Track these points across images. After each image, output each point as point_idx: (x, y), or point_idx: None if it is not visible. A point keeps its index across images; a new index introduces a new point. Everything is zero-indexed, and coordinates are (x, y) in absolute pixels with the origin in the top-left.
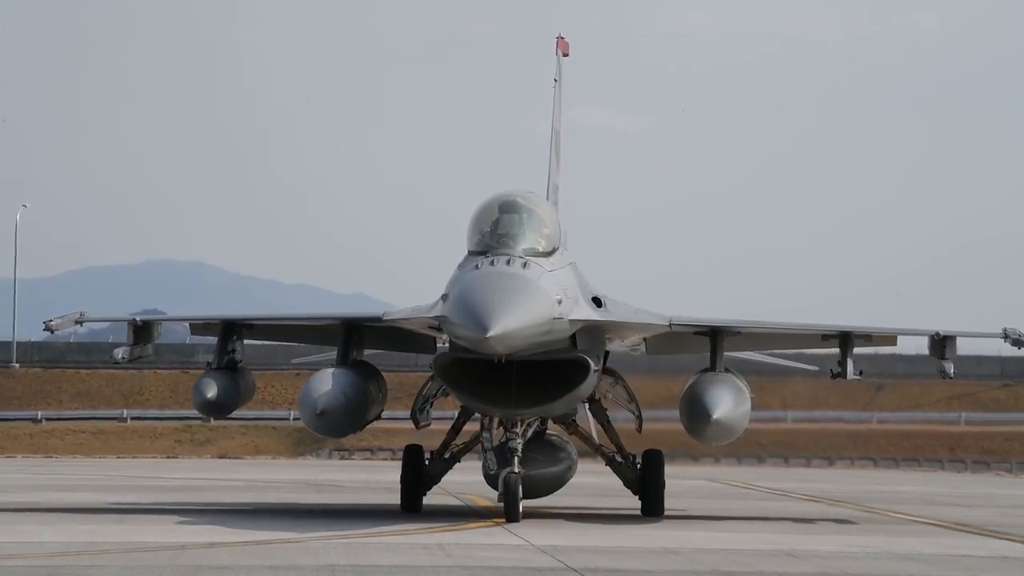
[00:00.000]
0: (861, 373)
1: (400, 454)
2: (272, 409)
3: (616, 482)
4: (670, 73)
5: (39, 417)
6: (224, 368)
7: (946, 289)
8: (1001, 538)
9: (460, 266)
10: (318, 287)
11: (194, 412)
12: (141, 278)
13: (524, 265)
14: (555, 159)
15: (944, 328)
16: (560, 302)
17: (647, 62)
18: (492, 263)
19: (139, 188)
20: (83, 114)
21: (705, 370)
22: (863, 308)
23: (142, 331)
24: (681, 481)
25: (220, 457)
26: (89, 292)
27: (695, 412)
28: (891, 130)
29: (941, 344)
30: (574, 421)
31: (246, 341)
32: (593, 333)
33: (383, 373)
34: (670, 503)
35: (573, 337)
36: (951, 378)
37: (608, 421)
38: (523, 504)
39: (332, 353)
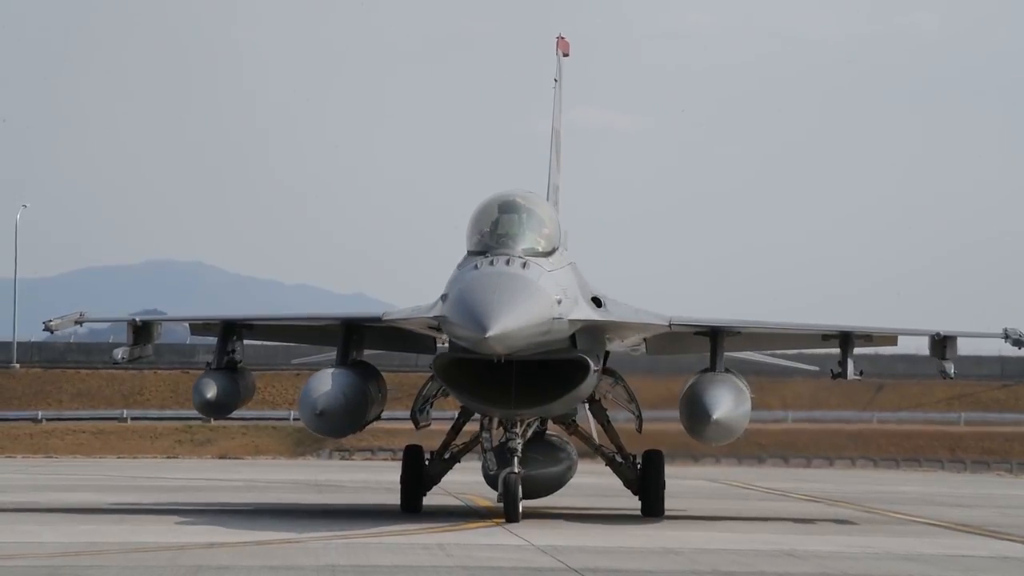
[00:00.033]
0: (862, 373)
1: (400, 454)
2: (272, 409)
3: (616, 482)
4: (670, 73)
5: (39, 417)
6: (224, 368)
7: (946, 289)
8: (1001, 538)
9: (459, 266)
10: (318, 287)
11: (194, 412)
12: (141, 278)
13: (523, 265)
14: (555, 159)
15: (944, 328)
16: (560, 302)
17: (647, 62)
18: (491, 263)
19: (139, 188)
20: (83, 114)
21: (705, 370)
22: (863, 308)
23: (142, 331)
24: (681, 481)
25: (220, 457)
26: (89, 292)
27: (695, 412)
28: (891, 130)
29: (941, 344)
30: (574, 421)
31: (246, 341)
32: (593, 333)
33: (383, 373)
34: (670, 503)
35: (573, 337)
36: (951, 378)
37: (608, 421)
38: (523, 504)
39: (332, 353)
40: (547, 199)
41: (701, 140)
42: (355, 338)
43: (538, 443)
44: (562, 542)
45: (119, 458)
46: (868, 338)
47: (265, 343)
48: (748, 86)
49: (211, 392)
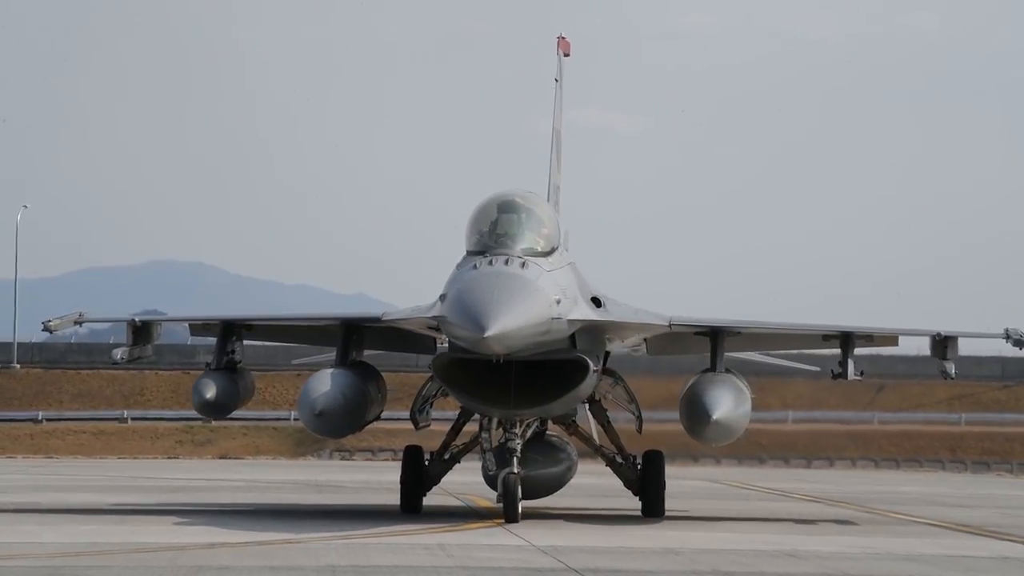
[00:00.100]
0: (862, 374)
1: (401, 455)
2: (273, 410)
3: (616, 483)
4: (670, 73)
5: (40, 418)
6: (223, 369)
7: (947, 289)
8: (1002, 539)
9: (458, 266)
10: (318, 287)
11: (195, 413)
12: (142, 279)
13: (522, 265)
14: (556, 159)
15: (945, 329)
16: (559, 302)
17: (647, 62)
18: (490, 263)
19: (140, 189)
20: (83, 114)
21: (705, 370)
22: (863, 308)
23: (141, 331)
24: (681, 482)
25: (221, 458)
26: (90, 293)
27: (695, 412)
28: (891, 130)
29: (942, 344)
30: (574, 422)
31: (246, 342)
32: (592, 333)
33: (383, 373)
34: (670, 504)
35: (573, 337)
36: (952, 378)
37: (608, 422)
38: (523, 505)
39: (332, 354)
40: (547, 199)
41: (701, 140)
42: (355, 338)
43: (538, 443)
44: (562, 542)
45: (120, 458)
46: (869, 338)
47: (265, 343)
48: (748, 86)
49: (210, 392)
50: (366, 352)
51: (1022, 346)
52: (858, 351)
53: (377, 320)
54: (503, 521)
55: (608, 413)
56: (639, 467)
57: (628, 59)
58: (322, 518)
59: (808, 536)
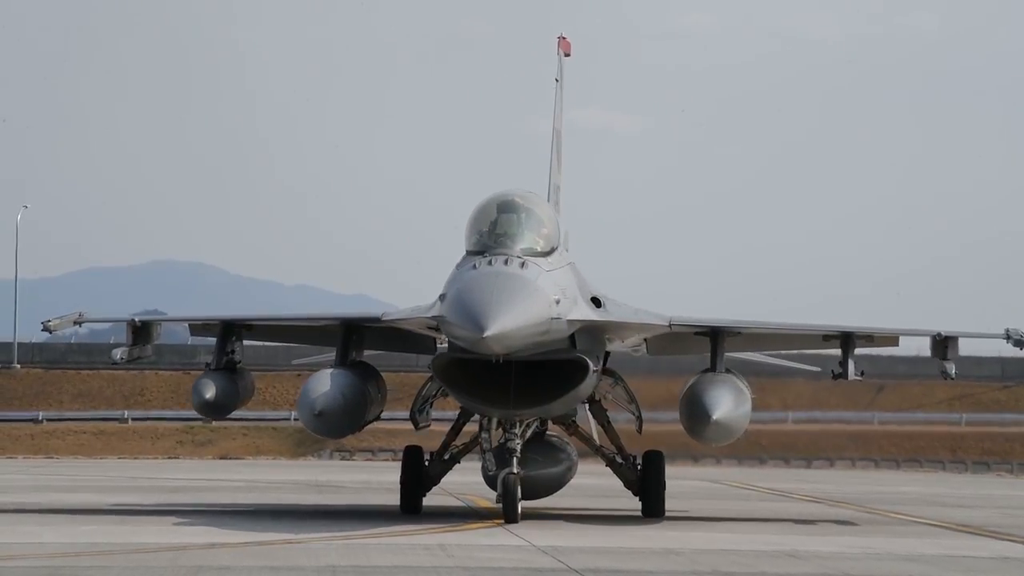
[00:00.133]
0: (863, 374)
1: (401, 455)
2: (273, 410)
3: (616, 483)
4: (670, 73)
5: (40, 418)
6: (223, 369)
7: (947, 289)
8: (1002, 539)
9: (458, 266)
10: (319, 288)
11: (195, 413)
12: (142, 279)
13: (522, 265)
14: (556, 159)
15: (946, 329)
16: (558, 302)
17: (647, 63)
18: (490, 263)
19: (140, 189)
20: (83, 114)
21: (705, 371)
22: (864, 308)
23: (141, 331)
24: (682, 482)
25: (221, 458)
26: (90, 293)
27: (695, 413)
28: (891, 130)
29: (943, 345)
30: (574, 422)
31: (246, 342)
32: (592, 333)
33: (384, 374)
34: (671, 504)
35: (572, 337)
36: (953, 379)
37: (608, 422)
38: (524, 505)
39: (332, 354)
40: (548, 199)
41: (701, 140)
42: (354, 338)
43: (538, 444)
44: (563, 542)
45: (120, 459)
46: (869, 338)
47: (265, 344)
48: (748, 86)
49: (210, 393)
50: (366, 352)
51: (1022, 346)
52: (858, 351)
53: (377, 320)
54: (503, 521)
55: (608, 413)
56: (639, 467)
57: (628, 59)
58: (322, 518)
59: (808, 536)
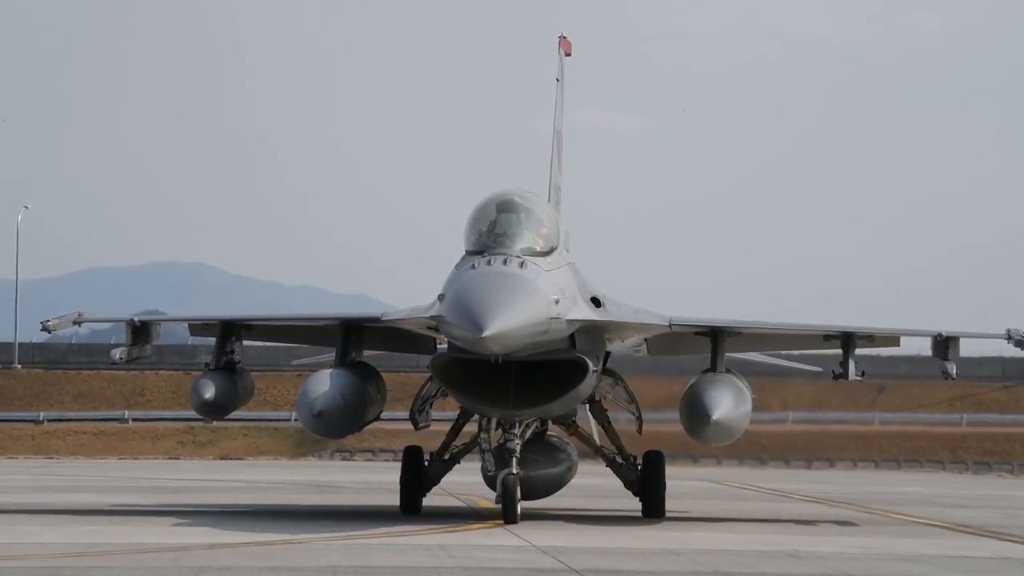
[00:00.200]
0: (863, 374)
1: (401, 455)
2: (274, 410)
3: (617, 483)
4: (671, 74)
5: (41, 418)
6: (222, 369)
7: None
8: (1003, 539)
9: (457, 266)
10: (319, 288)
11: (196, 413)
12: (143, 279)
13: (521, 265)
14: (557, 159)
15: (947, 329)
16: (557, 302)
17: (648, 63)
18: (489, 263)
19: (140, 189)
20: (83, 114)
21: (706, 371)
22: (864, 309)
23: (140, 331)
24: (682, 482)
25: (221, 458)
26: (91, 293)
27: (695, 413)
28: (891, 130)
29: (944, 345)
30: (574, 422)
31: (247, 342)
32: (592, 333)
33: (384, 374)
34: (671, 504)
35: (572, 337)
36: (954, 379)
37: (609, 422)
38: (524, 505)
39: (332, 354)
40: (548, 199)
41: (701, 140)
42: (354, 338)
43: (538, 444)
44: (563, 543)
45: (120, 459)
46: (870, 339)
47: (266, 344)
48: (748, 86)
49: (209, 393)
50: (366, 352)
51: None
52: (859, 351)
53: (376, 320)
54: (503, 522)
55: (608, 413)
56: (639, 468)
57: (629, 59)
58: (323, 519)
59: (809, 537)
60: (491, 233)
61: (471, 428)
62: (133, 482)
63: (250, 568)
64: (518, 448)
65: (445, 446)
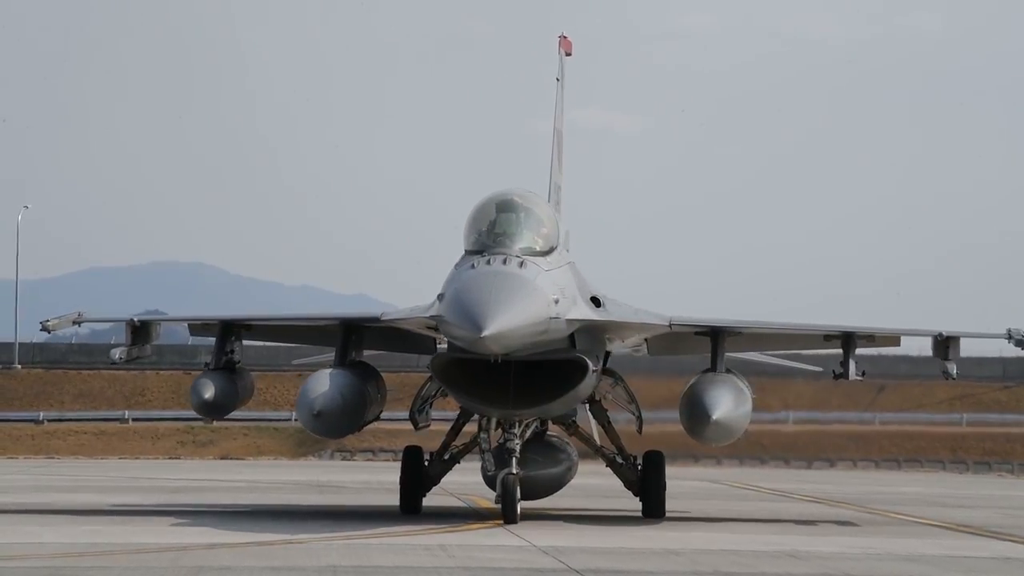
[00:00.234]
0: (864, 374)
1: (401, 455)
2: (274, 410)
3: (617, 483)
4: (671, 74)
5: (41, 418)
6: (222, 369)
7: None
8: (1003, 539)
9: (457, 265)
10: (320, 288)
11: (196, 413)
12: (143, 279)
13: (520, 264)
14: (557, 158)
15: (947, 329)
16: (557, 301)
17: (648, 63)
18: (488, 262)
19: (140, 189)
20: (83, 114)
21: (706, 371)
22: (864, 309)
23: (140, 331)
24: (682, 482)
25: (222, 458)
26: (91, 293)
27: (695, 413)
28: (891, 130)
29: (944, 345)
30: (574, 422)
31: (247, 342)
32: (592, 333)
33: (384, 374)
34: (671, 504)
35: (572, 337)
36: (954, 379)
37: (609, 422)
38: (524, 505)
39: (333, 354)
40: (548, 198)
41: (702, 140)
42: (354, 338)
43: (538, 444)
44: (563, 543)
45: (121, 459)
46: (871, 338)
47: (266, 344)
48: (748, 86)
49: (209, 392)
50: (366, 352)
51: None
52: (859, 351)
53: (376, 320)
54: (503, 522)
55: (608, 413)
56: (639, 468)
57: (629, 59)
58: (323, 518)
59: (809, 537)
60: (491, 233)
61: (471, 428)
62: (133, 482)
63: (250, 568)
64: (518, 448)
65: (445, 446)
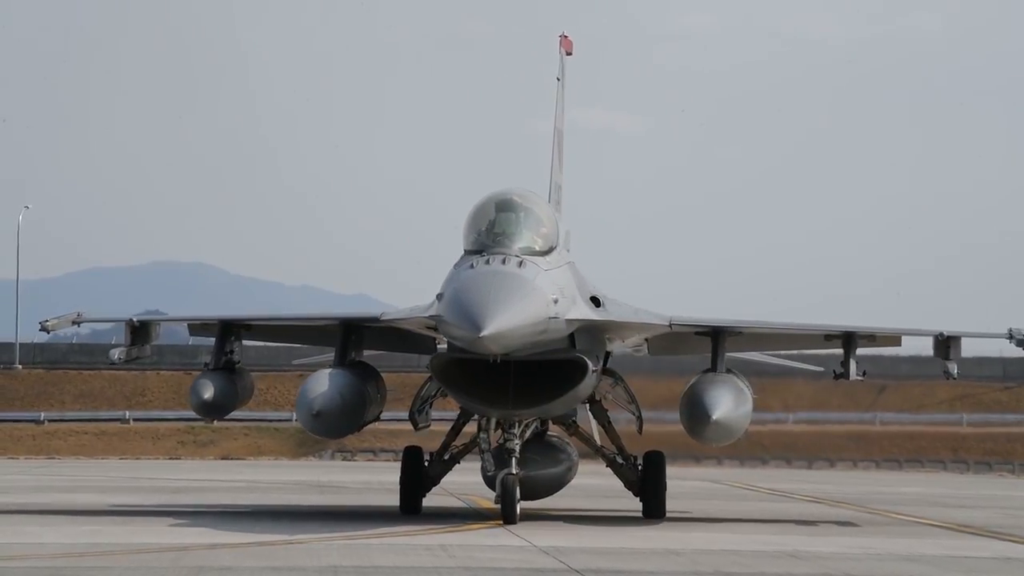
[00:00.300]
0: (864, 374)
1: (401, 455)
2: (275, 410)
3: (617, 483)
4: (672, 74)
5: (41, 418)
6: (222, 369)
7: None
8: (1004, 539)
9: (456, 265)
10: (320, 288)
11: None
12: (143, 279)
13: (520, 264)
14: (557, 158)
15: (948, 328)
16: (556, 301)
17: (649, 63)
18: (487, 262)
19: (140, 189)
20: (83, 114)
21: (706, 371)
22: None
23: (139, 332)
24: (682, 482)
25: (222, 458)
26: (91, 293)
27: (695, 413)
28: (893, 130)
29: (945, 344)
30: (574, 422)
31: (247, 342)
32: (592, 333)
33: (385, 374)
34: (671, 504)
35: (572, 337)
36: (955, 379)
37: (609, 422)
38: (524, 506)
39: (333, 354)
40: (549, 198)
41: (702, 141)
42: (354, 338)
43: (538, 444)
44: (564, 543)
45: (121, 459)
46: (871, 338)
47: (266, 344)
48: (748, 87)
49: (208, 393)
50: (366, 352)
51: None
52: (860, 351)
53: (376, 320)
54: (503, 522)
55: (609, 413)
56: (640, 468)
57: (629, 60)
58: (324, 519)
59: (809, 537)
60: (490, 232)
61: (471, 428)
62: (134, 482)
63: (251, 568)
64: (517, 448)
65: (445, 446)
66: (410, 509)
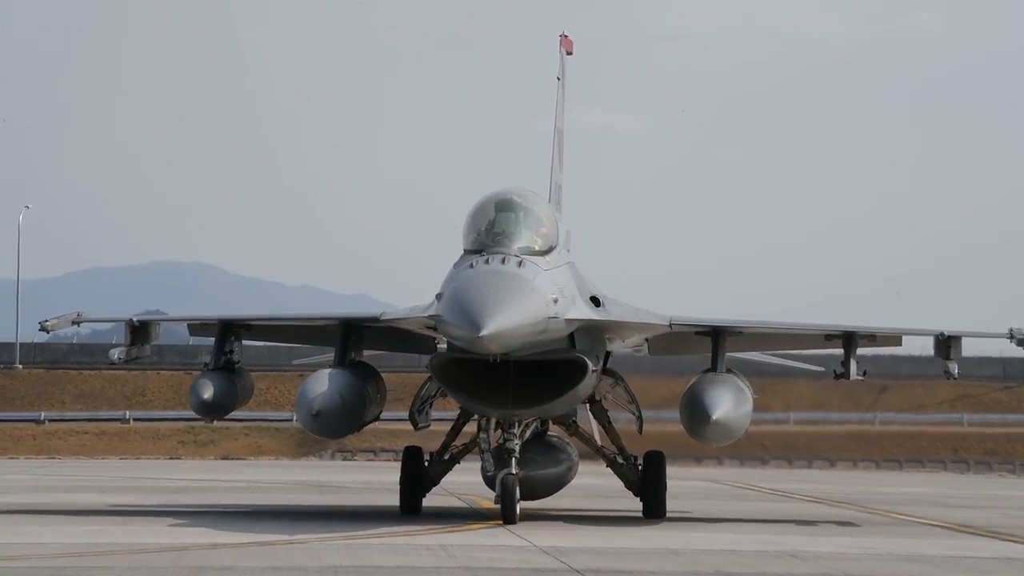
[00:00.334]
0: (865, 374)
1: (401, 455)
2: (275, 410)
3: (617, 483)
4: (672, 74)
5: (42, 418)
6: (221, 369)
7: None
8: (1004, 539)
9: (456, 265)
10: (320, 288)
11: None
12: (143, 279)
13: (519, 264)
14: (557, 158)
15: (949, 328)
16: (556, 301)
17: (649, 63)
18: (487, 262)
19: (140, 189)
20: (83, 114)
21: (706, 370)
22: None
23: (139, 332)
24: (683, 482)
25: (223, 458)
26: (92, 293)
27: (695, 413)
28: (892, 130)
29: (946, 344)
30: (575, 422)
31: (247, 342)
32: (592, 333)
33: (385, 374)
34: (672, 504)
35: (572, 337)
36: (955, 378)
37: (609, 422)
38: (525, 506)
39: (333, 354)
40: (549, 198)
41: (702, 141)
42: (353, 338)
43: (538, 444)
44: (564, 543)
45: (122, 459)
46: (872, 338)
47: (267, 344)
48: (748, 87)
49: (208, 393)
50: (366, 352)
51: None
52: (860, 351)
53: (375, 320)
54: (503, 522)
55: (609, 413)
56: (640, 468)
57: (629, 60)
58: (324, 519)
59: (810, 537)
60: (489, 232)
61: (471, 428)
62: (134, 482)
63: (251, 568)
64: (517, 448)
65: (445, 446)
66: (410, 509)
